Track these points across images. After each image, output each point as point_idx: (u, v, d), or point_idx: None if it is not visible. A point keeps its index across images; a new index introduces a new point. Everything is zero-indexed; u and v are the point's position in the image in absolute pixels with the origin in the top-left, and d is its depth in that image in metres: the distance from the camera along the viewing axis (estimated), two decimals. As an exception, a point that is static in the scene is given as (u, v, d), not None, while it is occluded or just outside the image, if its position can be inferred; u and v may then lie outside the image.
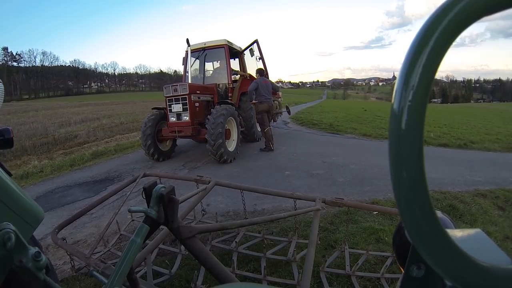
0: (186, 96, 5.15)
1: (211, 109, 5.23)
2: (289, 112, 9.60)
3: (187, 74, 6.11)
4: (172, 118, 5.32)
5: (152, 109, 5.74)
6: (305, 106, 25.28)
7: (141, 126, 5.58)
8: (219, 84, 6.31)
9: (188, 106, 5.16)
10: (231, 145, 5.35)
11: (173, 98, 5.26)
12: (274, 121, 8.64)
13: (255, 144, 6.65)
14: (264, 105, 5.88)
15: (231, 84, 6.42)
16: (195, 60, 6.59)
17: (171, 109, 5.32)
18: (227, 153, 4.93)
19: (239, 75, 6.84)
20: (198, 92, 5.52)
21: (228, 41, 6.35)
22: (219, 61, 6.83)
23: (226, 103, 5.42)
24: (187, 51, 6.06)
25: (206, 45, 6.37)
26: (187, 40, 5.92)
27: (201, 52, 6.47)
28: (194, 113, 5.27)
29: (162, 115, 5.54)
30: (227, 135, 5.20)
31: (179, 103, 5.20)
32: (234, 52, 6.77)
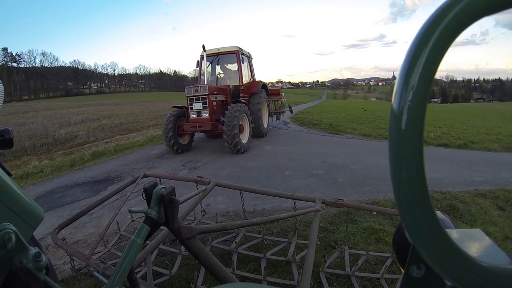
0: (206, 96, 5.83)
1: (226, 107, 6.02)
2: (291, 111, 10.68)
3: (202, 76, 6.80)
4: (193, 115, 5.99)
5: (172, 107, 6.33)
6: (305, 106, 25.29)
7: (163, 122, 6.13)
8: (231, 86, 7.01)
9: (207, 105, 5.84)
10: (244, 138, 6.08)
11: (194, 97, 5.91)
12: (278, 119, 9.64)
13: (258, 143, 6.67)
14: None
15: (242, 86, 7.10)
16: (210, 64, 7.24)
17: (192, 107, 5.97)
18: (241, 144, 5.69)
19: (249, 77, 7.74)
20: (215, 92, 6.20)
21: (239, 47, 7.06)
22: (231, 65, 7.57)
23: (240, 102, 6.12)
24: (202, 56, 6.63)
25: (219, 51, 7.05)
26: (203, 46, 6.46)
27: (215, 57, 7.16)
28: (212, 111, 5.95)
29: (181, 113, 6.14)
30: (241, 129, 5.88)
31: (200, 102, 5.88)
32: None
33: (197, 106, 5.90)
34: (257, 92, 7.18)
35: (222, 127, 5.66)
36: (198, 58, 7.19)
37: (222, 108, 6.38)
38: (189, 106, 6.00)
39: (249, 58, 7.82)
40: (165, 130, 5.88)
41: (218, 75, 7.53)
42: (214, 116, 6.02)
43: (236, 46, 7.03)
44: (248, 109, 6.27)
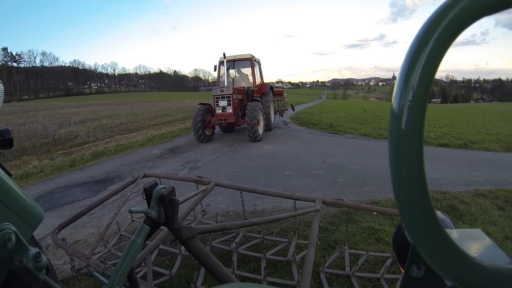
0: (230, 95, 7.08)
1: (243, 105, 7.53)
2: (293, 109, 12.41)
3: (221, 78, 8.15)
4: (219, 111, 7.23)
5: (198, 104, 7.50)
6: (305, 106, 25.30)
7: (192, 117, 7.41)
8: (246, 87, 8.42)
9: (231, 102, 7.09)
10: (260, 129, 7.29)
11: (219, 96, 7.13)
12: (281, 116, 11.17)
13: (259, 142, 6.69)
14: None
15: (256, 87, 8.51)
16: (228, 68, 8.32)
17: (218, 104, 7.20)
18: (258, 134, 6.95)
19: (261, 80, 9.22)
20: (236, 92, 7.42)
21: (252, 55, 8.45)
22: (244, 69, 8.98)
23: (257, 101, 7.37)
24: (222, 61, 7.88)
25: (236, 57, 8.32)
26: (224, 54, 7.72)
27: (232, 63, 8.36)
28: (235, 107, 7.21)
29: (207, 109, 7.29)
30: (257, 122, 7.03)
31: (225, 100, 7.12)
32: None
33: (223, 103, 7.14)
34: (267, 93, 8.53)
35: (241, 120, 7.16)
36: (214, 63, 8.31)
37: (240, 105, 7.64)
38: (215, 103, 7.21)
39: (259, 63, 9.12)
40: (194, 123, 7.05)
41: (234, 78, 8.84)
42: (236, 111, 7.27)
43: (250, 54, 8.39)
44: (262, 107, 7.52)
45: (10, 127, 1.12)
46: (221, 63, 8.00)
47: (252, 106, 6.89)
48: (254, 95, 8.33)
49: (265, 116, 7.75)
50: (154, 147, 7.25)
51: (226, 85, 7.54)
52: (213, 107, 7.34)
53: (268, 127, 8.27)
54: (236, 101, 7.31)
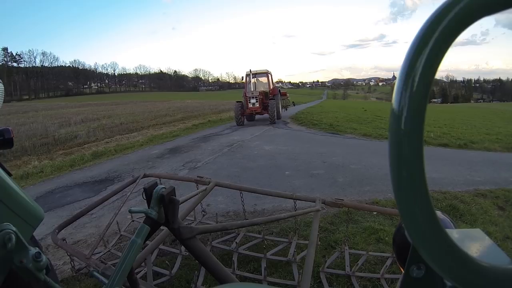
0: (258, 96, 11.07)
1: (264, 102, 11.47)
2: (294, 105, 15.85)
3: (248, 85, 11.84)
4: (251, 105, 11.13)
5: (236, 102, 11.49)
6: (305, 106, 25.22)
7: (233, 109, 11.77)
8: (264, 91, 12.41)
9: (258, 100, 11.09)
10: (276, 117, 11.24)
11: (251, 96, 11.04)
12: (285, 109, 15.03)
13: (259, 143, 6.69)
14: None
15: (270, 90, 12.53)
16: (252, 78, 12.07)
17: (250, 101, 11.12)
18: (276, 120, 11.03)
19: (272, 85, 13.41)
20: (260, 95, 11.30)
21: (267, 70, 12.73)
22: (261, 78, 13.19)
23: (273, 99, 11.46)
24: (248, 74, 11.71)
25: (257, 72, 12.44)
26: (250, 70, 11.57)
27: (254, 75, 12.18)
28: (260, 103, 11.20)
29: (241, 105, 11.20)
30: (275, 113, 11.05)
31: (254, 99, 11.05)
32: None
33: (253, 101, 11.08)
34: (277, 94, 12.41)
35: (263, 111, 11.25)
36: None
37: (262, 102, 11.43)
38: (248, 101, 11.12)
39: (271, 74, 12.99)
40: (236, 113, 11.02)
41: (255, 84, 12.52)
42: (260, 106, 11.21)
43: (266, 69, 12.69)
44: (276, 103, 11.33)
45: (10, 127, 1.12)
46: (247, 75, 11.85)
47: (272, 103, 11.05)
48: (270, 96, 12.22)
49: (277, 109, 11.51)
50: (154, 147, 7.26)
51: (252, 90, 11.44)
52: (245, 103, 11.24)
53: (278, 116, 12.01)
54: (260, 99, 11.24)
